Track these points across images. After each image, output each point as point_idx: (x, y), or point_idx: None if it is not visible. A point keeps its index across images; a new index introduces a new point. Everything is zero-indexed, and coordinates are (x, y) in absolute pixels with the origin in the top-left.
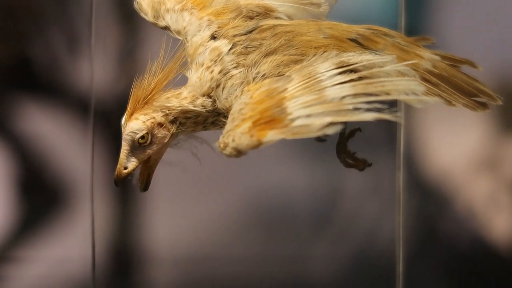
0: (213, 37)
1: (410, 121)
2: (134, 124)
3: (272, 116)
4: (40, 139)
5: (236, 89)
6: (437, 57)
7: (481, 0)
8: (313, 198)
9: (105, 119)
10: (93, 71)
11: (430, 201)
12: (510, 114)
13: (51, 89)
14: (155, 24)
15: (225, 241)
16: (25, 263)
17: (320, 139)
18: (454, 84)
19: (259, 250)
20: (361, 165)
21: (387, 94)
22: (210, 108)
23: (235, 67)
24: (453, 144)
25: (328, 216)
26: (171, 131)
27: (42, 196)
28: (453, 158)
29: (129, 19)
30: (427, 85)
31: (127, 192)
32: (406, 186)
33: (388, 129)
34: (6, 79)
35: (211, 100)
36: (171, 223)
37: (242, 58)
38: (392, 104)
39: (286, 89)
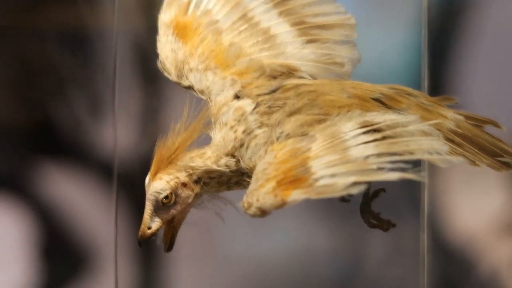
0: (237, 97)
1: (434, 182)
2: (158, 184)
3: (296, 176)
4: (64, 203)
5: (260, 149)
6: (461, 117)
7: (504, 60)
8: (337, 259)
9: (128, 180)
10: (117, 132)
11: (453, 263)
12: None
13: (74, 152)
14: (178, 84)
15: None
16: None
17: (344, 199)
18: (477, 144)
19: None
20: (385, 225)
21: (411, 153)
22: (234, 167)
23: (259, 127)
24: (477, 206)
25: (352, 278)
26: (195, 191)
27: (65, 260)
28: (477, 220)
29: (152, 79)
30: (450, 144)
31: (150, 253)
32: (430, 248)
33: (412, 190)
34: (29, 143)
35: (234, 159)
36: (195, 284)
37: (266, 118)
38: (416, 164)
39: (310, 148)
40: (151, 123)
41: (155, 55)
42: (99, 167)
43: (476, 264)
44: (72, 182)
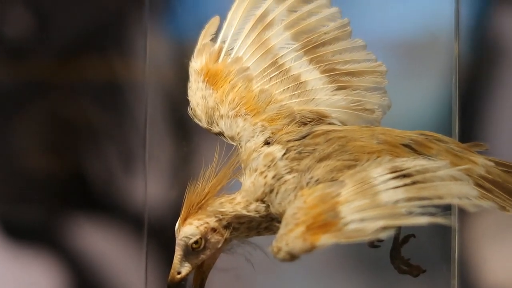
0: (267, 143)
1: (466, 228)
2: (188, 229)
3: (326, 220)
4: (94, 254)
5: (290, 194)
6: (491, 163)
7: None
8: None
9: (158, 227)
10: (147, 180)
11: None
12: None
13: (106, 204)
14: (209, 130)
15: None
16: None
17: (374, 245)
18: (507, 189)
19: None
20: (415, 271)
21: (440, 198)
22: (264, 213)
23: (289, 172)
24: (509, 254)
25: None
26: (225, 236)
27: None
28: (510, 270)
29: (182, 126)
30: (480, 190)
31: None
32: None
33: (442, 236)
34: (62, 195)
35: (264, 205)
36: None
37: (296, 163)
38: (446, 209)
39: (339, 193)
40: (181, 170)
41: (186, 103)
42: (129, 217)
43: None
44: (102, 234)
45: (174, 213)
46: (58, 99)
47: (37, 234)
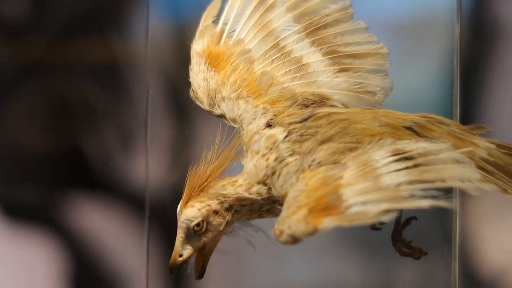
0: (269, 125)
1: (466, 211)
2: (189, 212)
3: (328, 203)
4: (95, 234)
5: (292, 177)
6: (493, 146)
7: None
8: None
9: (160, 208)
10: (148, 162)
11: None
12: None
13: (106, 184)
14: (210, 112)
15: None
16: None
17: (375, 227)
18: (509, 172)
19: None
20: (416, 253)
21: (443, 181)
22: (266, 195)
23: (291, 155)
24: (510, 237)
25: None
26: (226, 219)
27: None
28: (510, 250)
29: (183, 108)
30: (482, 172)
31: (181, 281)
32: (461, 277)
33: (443, 218)
34: (60, 175)
35: (266, 187)
36: None
37: (298, 146)
38: (448, 192)
39: (341, 176)
40: (183, 152)
41: (187, 85)
42: (131, 199)
43: None
44: (103, 213)
45: (175, 195)
46: (56, 79)
47: (36, 214)
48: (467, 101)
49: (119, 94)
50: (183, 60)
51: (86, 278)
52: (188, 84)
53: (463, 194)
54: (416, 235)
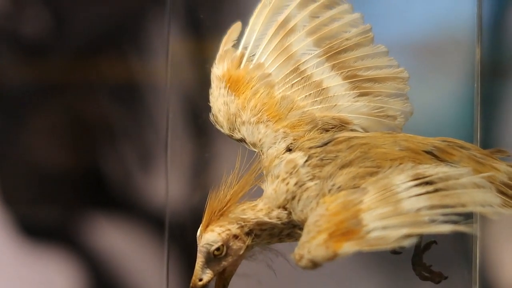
0: (289, 149)
1: (486, 234)
2: (209, 236)
3: (348, 228)
4: (114, 254)
5: (312, 201)
6: None
7: None
8: None
9: (180, 231)
10: (168, 184)
11: None
12: None
13: (125, 204)
14: (230, 136)
15: None
16: None
17: (395, 252)
18: None
19: None
20: (437, 278)
21: (463, 206)
22: (286, 220)
23: (311, 179)
24: None
25: None
26: (246, 243)
27: None
28: None
29: (204, 132)
30: (503, 197)
31: None
32: None
33: (463, 242)
34: (80, 195)
35: (286, 212)
36: None
37: (318, 170)
38: (468, 217)
39: (361, 201)
40: (203, 175)
41: (207, 108)
42: (150, 219)
43: None
44: (123, 234)
45: (195, 218)
46: (76, 98)
47: (55, 233)
48: (488, 125)
49: (139, 114)
50: (204, 81)
51: None
52: (208, 106)
53: (482, 217)
54: (436, 259)
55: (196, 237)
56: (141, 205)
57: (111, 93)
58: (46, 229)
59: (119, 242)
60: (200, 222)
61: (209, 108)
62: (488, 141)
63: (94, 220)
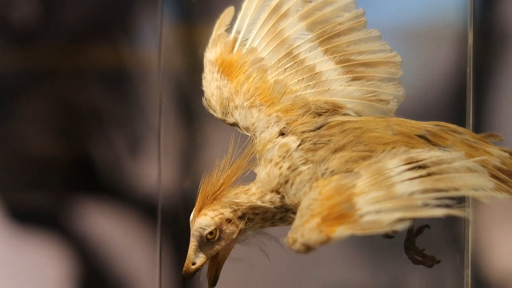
0: (282, 134)
1: (477, 218)
2: (202, 220)
3: (341, 212)
4: (105, 239)
5: (305, 185)
6: (506, 154)
7: None
8: None
9: (172, 216)
10: (161, 169)
11: None
12: None
13: (116, 190)
14: (223, 121)
15: None
16: None
17: (388, 236)
18: None
19: None
20: (429, 261)
21: (456, 190)
22: (279, 204)
23: (304, 163)
24: None
25: None
26: (239, 227)
27: None
28: None
29: (196, 116)
30: (495, 181)
31: None
32: (473, 285)
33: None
34: (70, 180)
35: (279, 196)
36: None
37: (311, 154)
38: (460, 200)
39: (355, 185)
40: (195, 160)
41: (200, 93)
42: (142, 205)
43: None
44: (114, 220)
45: (187, 202)
46: (66, 85)
47: (45, 220)
48: (480, 109)
49: (130, 100)
50: (196, 66)
51: (95, 284)
52: (201, 91)
53: (474, 201)
54: (429, 243)
55: (188, 222)
56: (132, 191)
57: (102, 80)
58: (36, 215)
59: (111, 228)
60: (193, 207)
61: (202, 93)
62: (481, 126)
63: (85, 206)
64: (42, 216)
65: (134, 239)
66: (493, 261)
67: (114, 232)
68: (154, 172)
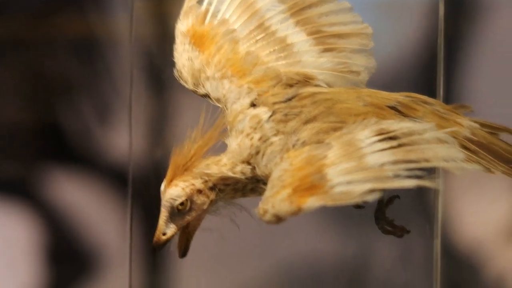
0: (253, 105)
1: (447, 189)
2: (173, 191)
3: (312, 183)
4: (75, 208)
5: (276, 156)
6: (476, 125)
7: None
8: (347, 264)
9: (143, 186)
10: (132, 139)
11: (462, 268)
12: None
13: (85, 159)
14: (195, 92)
15: None
16: None
17: (358, 206)
18: (493, 151)
19: None
20: (399, 232)
21: (427, 161)
22: (250, 175)
23: (275, 134)
24: (486, 212)
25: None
26: (210, 198)
27: (76, 265)
28: (486, 226)
29: (167, 87)
30: (466, 152)
31: (164, 259)
32: (442, 254)
33: (425, 197)
34: (39, 148)
35: (250, 167)
36: None
37: (282, 125)
38: (431, 171)
39: (326, 156)
40: (166, 130)
41: (171, 64)
42: (113, 174)
43: (484, 269)
44: (84, 188)
45: (158, 172)
46: (35, 54)
47: (14, 188)
48: (451, 81)
49: (101, 69)
50: (167, 37)
51: (65, 252)
52: (172, 63)
53: (444, 172)
54: (399, 214)
55: (159, 191)
56: (103, 160)
57: (72, 49)
58: (5, 184)
59: (81, 197)
60: (164, 177)
61: (173, 64)
62: (451, 97)
63: (55, 175)
64: (12, 184)
65: (104, 208)
66: (461, 231)
67: (84, 201)
68: (125, 141)
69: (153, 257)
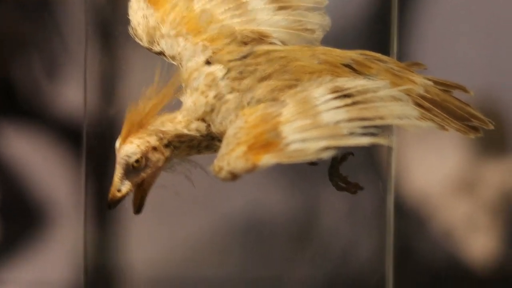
0: (208, 62)
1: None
2: (128, 148)
3: (267, 140)
4: (26, 164)
5: (231, 114)
6: (430, 82)
7: (474, 26)
8: (300, 221)
9: (97, 143)
10: (86, 96)
11: (410, 221)
12: (489, 137)
13: (37, 114)
14: (149, 49)
15: (207, 262)
16: (4, 286)
17: (312, 163)
18: (446, 108)
19: (241, 271)
20: (352, 188)
21: (382, 118)
22: (205, 132)
23: (230, 92)
24: (432, 166)
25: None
26: (165, 155)
27: (26, 220)
28: (433, 179)
29: (122, 44)
30: (420, 109)
31: (119, 215)
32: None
33: (378, 153)
34: None
35: (205, 124)
36: (163, 245)
37: (237, 83)
38: (385, 129)
39: (280, 113)
40: (121, 87)
41: (125, 21)
42: (66, 130)
43: (433, 221)
44: (38, 145)
45: (113, 129)
46: None
47: None
48: (405, 38)
49: (53, 25)
50: None
51: (18, 210)
52: (126, 20)
53: (397, 129)
54: (353, 170)
55: (114, 148)
56: (56, 116)
57: (23, 4)
58: None
59: (34, 154)
60: (119, 134)
61: (127, 21)
62: (405, 54)
63: (6, 130)
64: None
65: (59, 165)
66: (412, 186)
67: (37, 158)
68: (79, 98)
69: (108, 213)
